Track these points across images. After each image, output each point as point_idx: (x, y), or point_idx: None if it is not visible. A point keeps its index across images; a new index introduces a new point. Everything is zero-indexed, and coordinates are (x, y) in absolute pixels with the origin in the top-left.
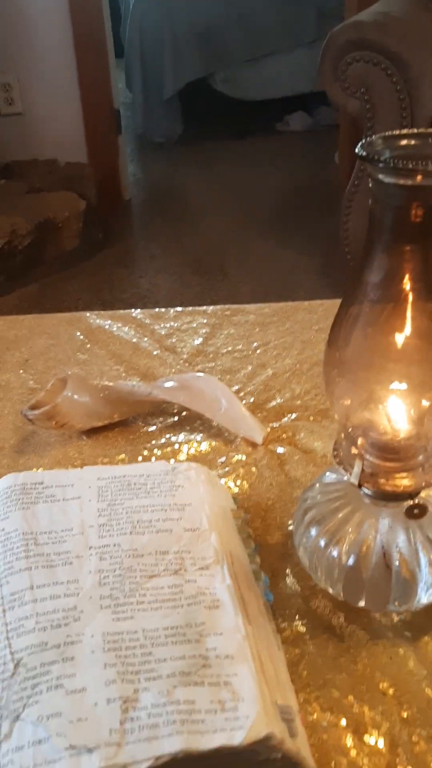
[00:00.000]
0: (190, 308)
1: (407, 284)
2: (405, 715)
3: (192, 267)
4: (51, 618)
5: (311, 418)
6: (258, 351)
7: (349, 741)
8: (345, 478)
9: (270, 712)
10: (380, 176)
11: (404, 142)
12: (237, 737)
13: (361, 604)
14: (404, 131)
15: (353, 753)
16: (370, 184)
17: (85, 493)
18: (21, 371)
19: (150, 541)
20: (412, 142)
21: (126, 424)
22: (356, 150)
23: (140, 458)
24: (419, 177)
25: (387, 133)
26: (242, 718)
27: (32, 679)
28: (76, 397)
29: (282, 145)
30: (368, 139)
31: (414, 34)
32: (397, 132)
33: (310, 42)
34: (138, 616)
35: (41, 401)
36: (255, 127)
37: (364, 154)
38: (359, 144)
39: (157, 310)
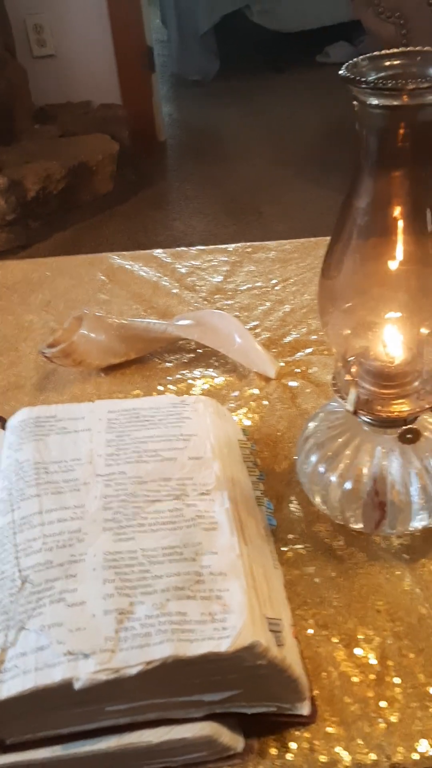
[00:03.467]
0: (212, 246)
1: (395, 208)
2: (396, 630)
3: (227, 208)
4: (57, 539)
5: (325, 352)
6: (277, 287)
7: (341, 654)
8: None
9: (258, 623)
10: (364, 97)
11: (390, 62)
12: (223, 645)
13: (357, 526)
14: (390, 51)
15: (344, 665)
16: (355, 108)
17: (95, 425)
18: (43, 312)
19: (154, 468)
20: (398, 62)
21: (143, 361)
22: (339, 72)
23: (155, 394)
24: (405, 97)
25: (373, 54)
26: (230, 628)
27: (37, 594)
28: (92, 335)
29: (322, 78)
30: (353, 60)
31: None
32: (382, 52)
33: None
34: (138, 537)
35: (58, 339)
36: (294, 60)
37: (348, 75)
38: (344, 65)
39: (178, 249)
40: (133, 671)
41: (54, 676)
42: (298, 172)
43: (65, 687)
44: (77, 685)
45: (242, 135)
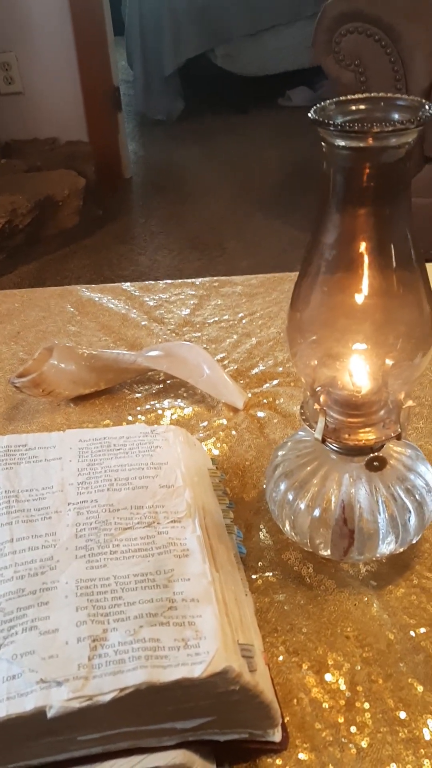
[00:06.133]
0: (180, 280)
1: (360, 244)
2: (365, 656)
3: (192, 243)
4: (29, 567)
5: (292, 383)
6: (244, 321)
7: (311, 680)
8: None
9: (230, 649)
10: (332, 139)
11: (355, 107)
12: (197, 670)
13: (326, 553)
14: (355, 96)
15: (315, 691)
16: (323, 149)
17: (66, 454)
18: (12, 343)
19: (126, 496)
20: (363, 106)
21: (112, 391)
22: (308, 114)
23: (125, 424)
24: (370, 139)
25: (339, 98)
26: (203, 654)
27: (9, 622)
28: (62, 365)
29: (284, 121)
30: (321, 104)
31: (406, 5)
32: (348, 97)
33: (311, 15)
34: (111, 564)
35: (28, 369)
36: (256, 103)
37: (316, 118)
38: (312, 109)
39: (147, 282)
40: (107, 698)
41: (26, 705)
42: (260, 210)
43: (37, 716)
44: (50, 714)
45: (206, 173)
